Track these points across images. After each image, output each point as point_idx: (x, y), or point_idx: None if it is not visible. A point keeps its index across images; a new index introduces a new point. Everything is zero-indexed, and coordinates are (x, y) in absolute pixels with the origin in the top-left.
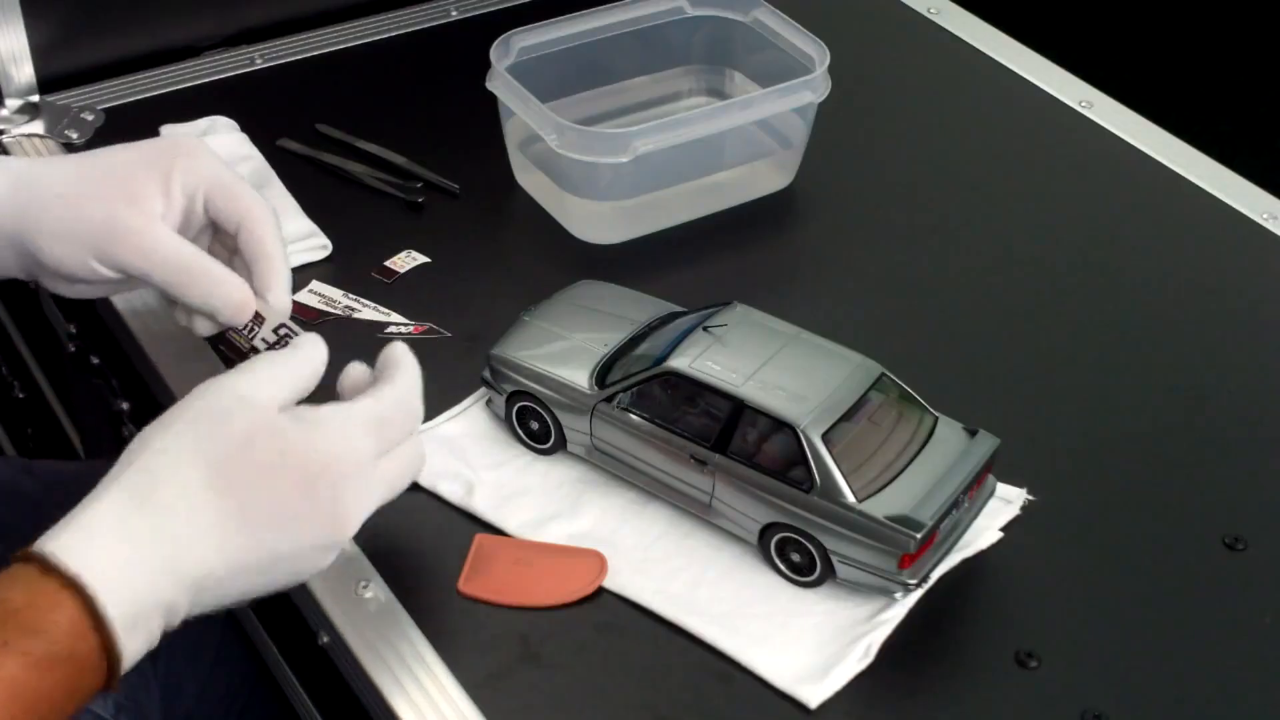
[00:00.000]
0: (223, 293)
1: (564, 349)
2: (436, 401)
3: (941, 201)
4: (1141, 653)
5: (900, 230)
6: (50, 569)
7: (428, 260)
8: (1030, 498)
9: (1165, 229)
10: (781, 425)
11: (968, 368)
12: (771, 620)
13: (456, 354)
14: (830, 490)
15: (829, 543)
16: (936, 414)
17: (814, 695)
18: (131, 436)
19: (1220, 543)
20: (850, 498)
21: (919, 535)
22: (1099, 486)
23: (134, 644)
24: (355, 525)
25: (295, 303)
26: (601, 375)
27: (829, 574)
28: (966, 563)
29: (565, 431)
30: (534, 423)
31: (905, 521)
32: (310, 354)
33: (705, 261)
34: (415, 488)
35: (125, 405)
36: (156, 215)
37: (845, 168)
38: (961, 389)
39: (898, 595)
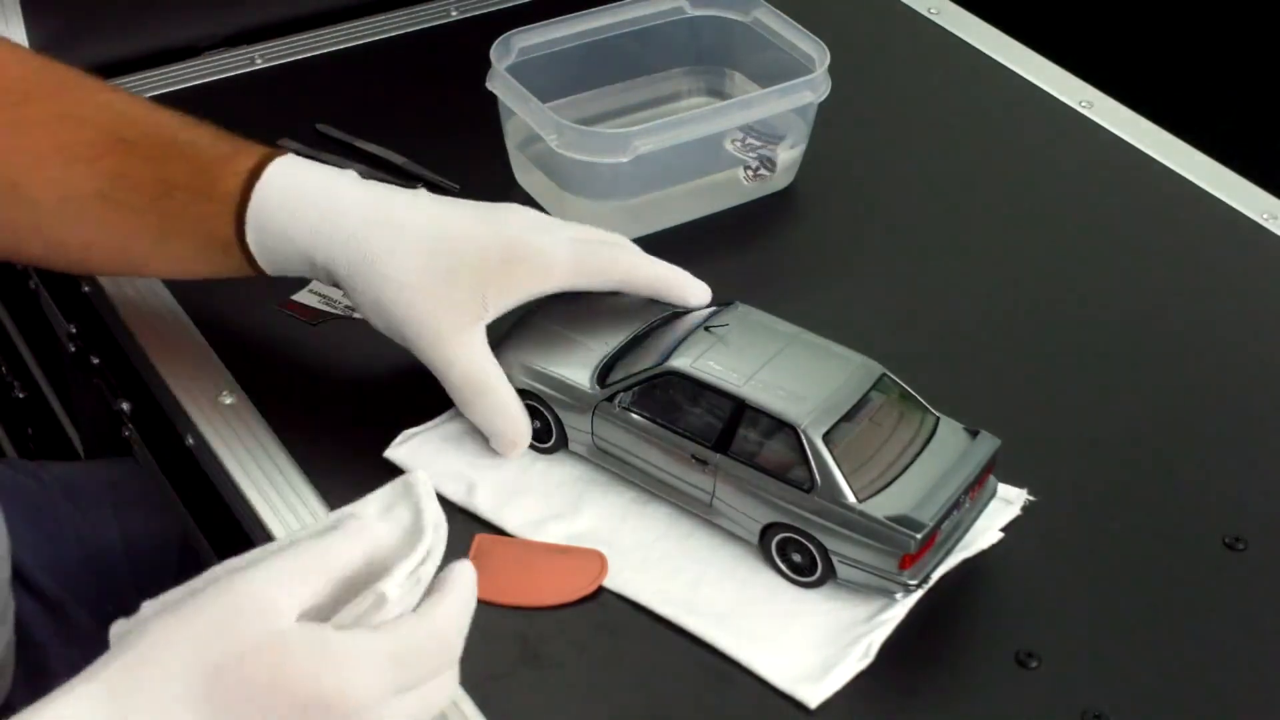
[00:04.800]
0: (500, 422)
1: (565, 348)
2: (436, 401)
3: (941, 201)
4: (1141, 653)
5: (900, 230)
6: None
7: None
8: (1030, 498)
9: (1165, 229)
10: (782, 425)
11: (968, 368)
12: (771, 620)
13: None
14: (830, 490)
15: (829, 543)
16: (938, 414)
17: (814, 695)
18: (132, 436)
19: (1220, 543)
20: (851, 498)
21: (919, 536)
22: (1099, 486)
23: None
24: None
25: (294, 302)
26: (603, 374)
27: (830, 574)
28: (966, 563)
29: (567, 430)
30: (535, 421)
31: (906, 522)
32: (348, 549)
33: (705, 261)
34: None
35: (125, 405)
36: (468, 320)
37: (845, 168)
38: (962, 389)
39: (898, 596)
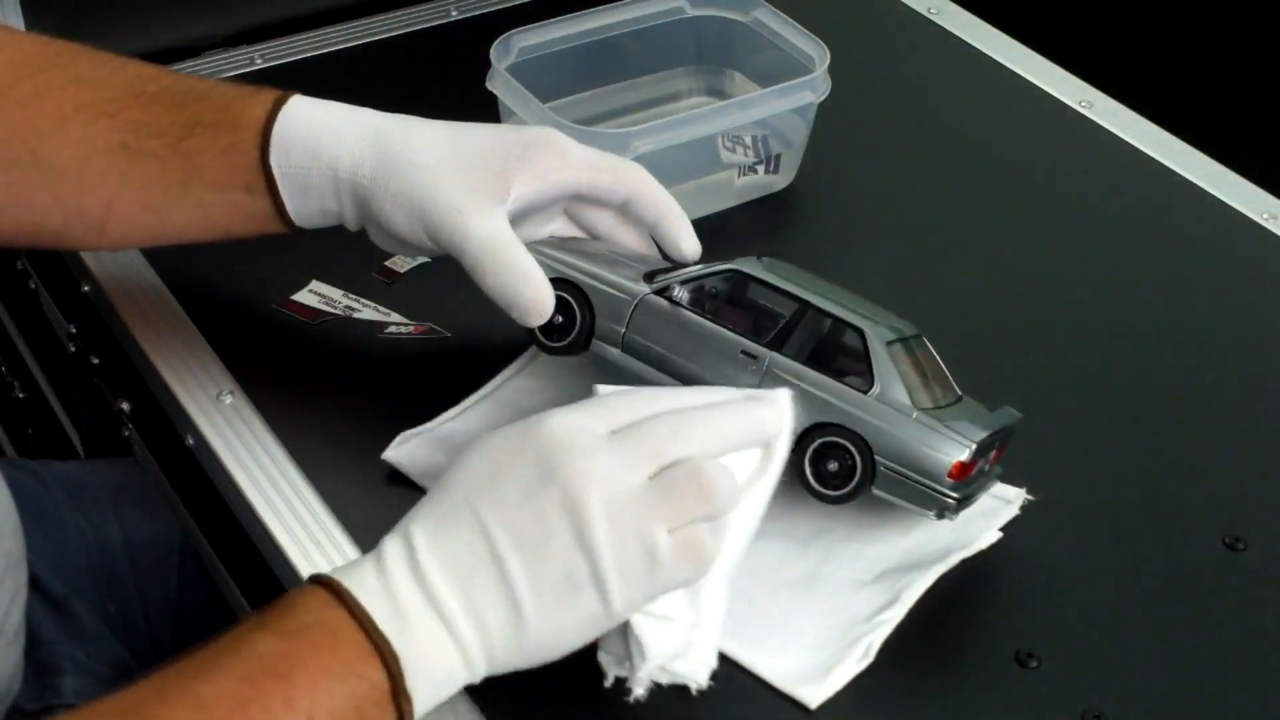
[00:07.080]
0: (520, 286)
1: (600, 256)
2: (437, 401)
3: (941, 202)
4: (1141, 653)
5: (900, 231)
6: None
7: (427, 260)
8: (1030, 498)
9: (1165, 229)
10: (846, 329)
11: (967, 367)
12: (771, 620)
13: (456, 354)
14: (889, 393)
15: (880, 444)
16: (960, 392)
17: (814, 695)
18: (132, 436)
19: (1220, 543)
20: (908, 401)
21: (975, 443)
22: (1099, 486)
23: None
24: (610, 567)
25: (294, 302)
26: (649, 277)
27: (864, 486)
28: (966, 563)
29: (597, 326)
30: (558, 316)
31: (961, 429)
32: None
33: (706, 261)
34: (416, 489)
35: (125, 405)
36: (490, 202)
37: (845, 168)
38: (961, 389)
39: (932, 514)
